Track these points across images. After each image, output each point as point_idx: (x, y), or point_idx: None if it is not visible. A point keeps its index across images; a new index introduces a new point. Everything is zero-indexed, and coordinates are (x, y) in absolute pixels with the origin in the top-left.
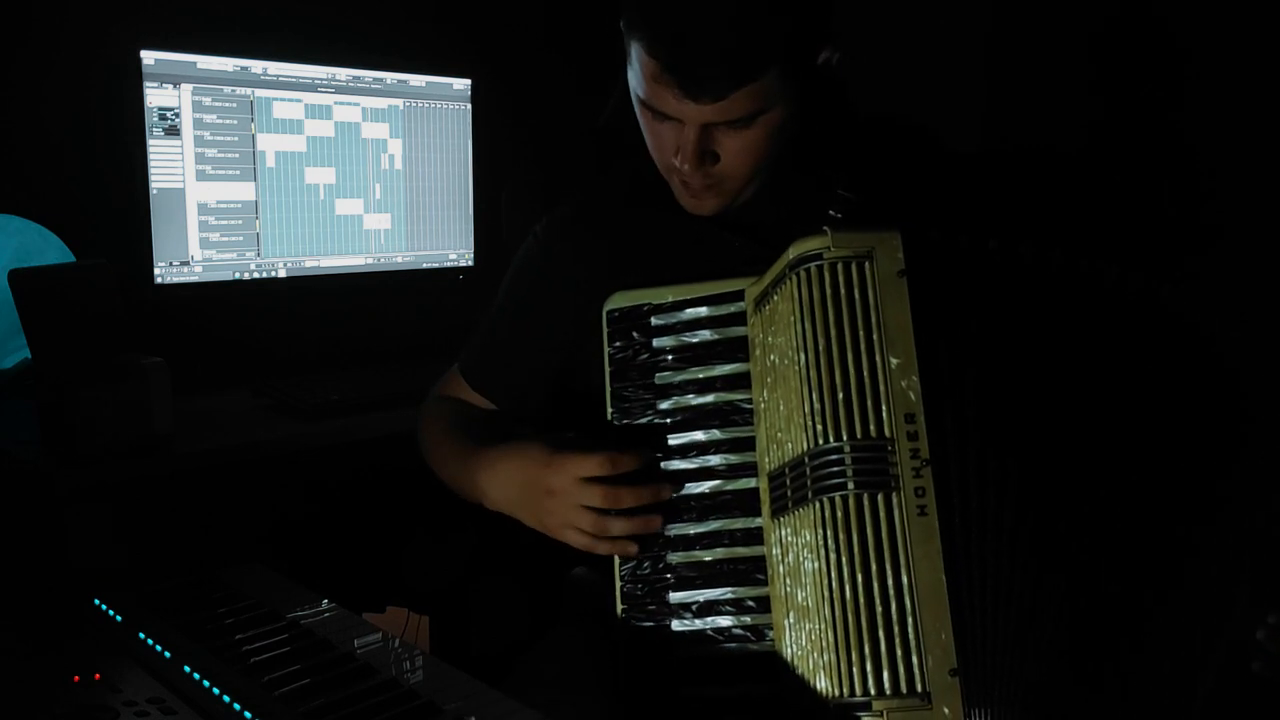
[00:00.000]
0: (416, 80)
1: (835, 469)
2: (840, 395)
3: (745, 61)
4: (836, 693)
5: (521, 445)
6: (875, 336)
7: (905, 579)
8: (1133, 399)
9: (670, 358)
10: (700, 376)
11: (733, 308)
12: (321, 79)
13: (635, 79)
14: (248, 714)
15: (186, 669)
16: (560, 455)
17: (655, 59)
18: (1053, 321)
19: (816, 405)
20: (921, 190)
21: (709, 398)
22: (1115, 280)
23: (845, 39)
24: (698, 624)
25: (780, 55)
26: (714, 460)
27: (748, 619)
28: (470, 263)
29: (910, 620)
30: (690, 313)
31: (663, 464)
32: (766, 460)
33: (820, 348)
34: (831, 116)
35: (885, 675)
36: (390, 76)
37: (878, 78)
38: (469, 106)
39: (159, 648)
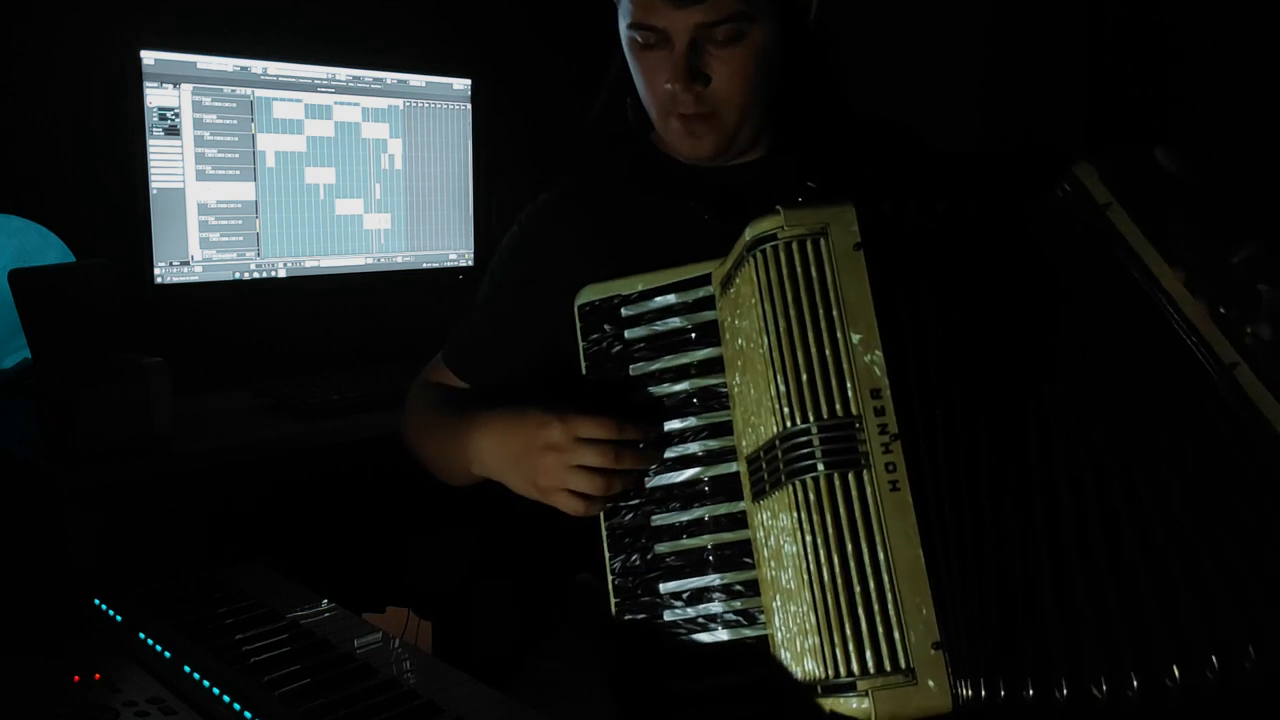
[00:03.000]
0: (416, 80)
1: (804, 451)
2: (804, 376)
3: None
4: (822, 675)
5: (519, 407)
6: (835, 314)
7: (882, 556)
8: (1092, 348)
9: (643, 348)
10: (674, 364)
11: (701, 292)
12: (321, 79)
13: (623, 9)
14: (248, 714)
15: (186, 669)
16: (561, 413)
17: None
18: (1004, 277)
19: (782, 388)
20: (901, 183)
21: (684, 385)
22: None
23: (844, 38)
24: (690, 612)
25: None
26: (694, 447)
27: (738, 604)
28: (470, 263)
29: (890, 597)
30: (660, 301)
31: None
32: (744, 444)
33: (782, 329)
34: (818, 95)
35: (869, 654)
36: (390, 76)
37: (876, 76)
38: (469, 106)
39: (159, 648)
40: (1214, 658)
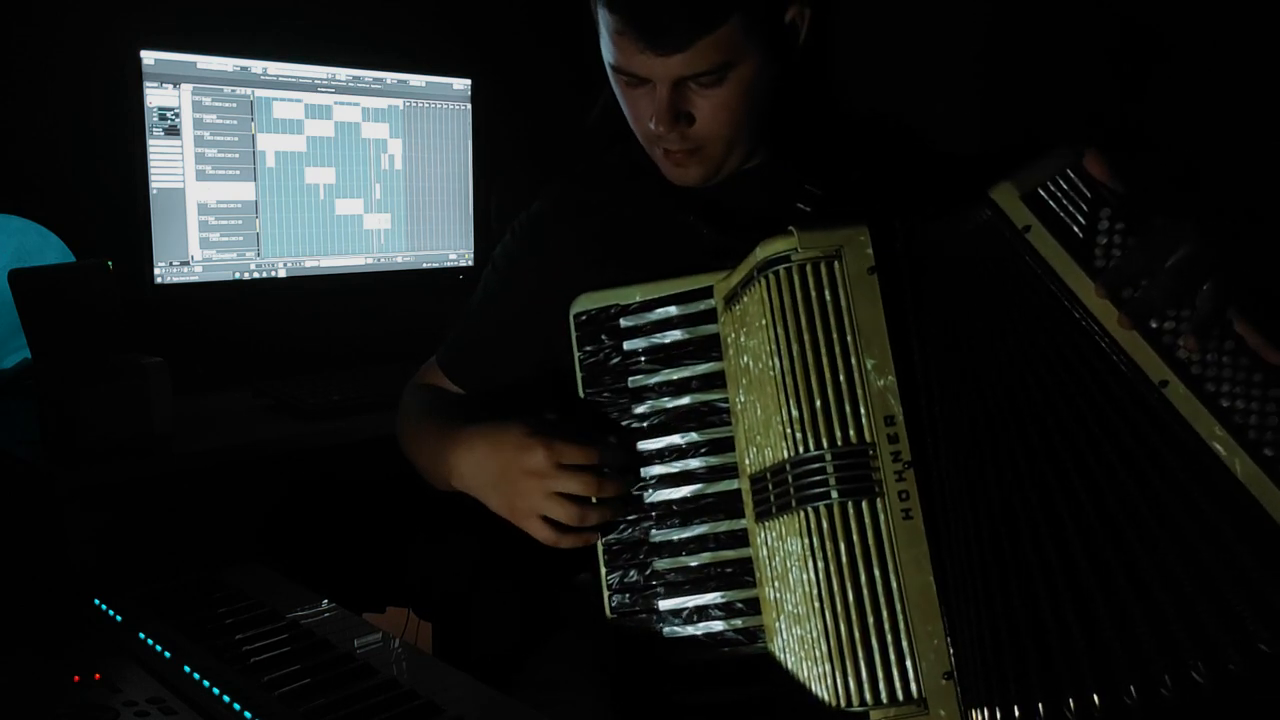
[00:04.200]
0: (416, 80)
1: (817, 478)
2: (818, 402)
3: (704, 8)
4: (833, 702)
5: (501, 425)
6: (850, 338)
7: (895, 584)
8: (1028, 371)
9: (643, 360)
10: (674, 378)
11: (702, 305)
12: (321, 79)
13: (605, 47)
14: (248, 714)
15: (186, 669)
16: (543, 437)
17: (616, 14)
18: (989, 296)
19: (794, 413)
20: (901, 187)
21: (684, 400)
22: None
23: (843, 38)
24: (689, 630)
25: (740, 2)
26: (694, 463)
27: (739, 622)
28: (470, 263)
29: (902, 626)
30: (660, 312)
31: (642, 469)
32: (747, 461)
33: (795, 353)
34: (812, 100)
35: (881, 684)
36: (390, 76)
37: (876, 76)
38: (469, 106)
39: (159, 648)
40: (1200, 662)
